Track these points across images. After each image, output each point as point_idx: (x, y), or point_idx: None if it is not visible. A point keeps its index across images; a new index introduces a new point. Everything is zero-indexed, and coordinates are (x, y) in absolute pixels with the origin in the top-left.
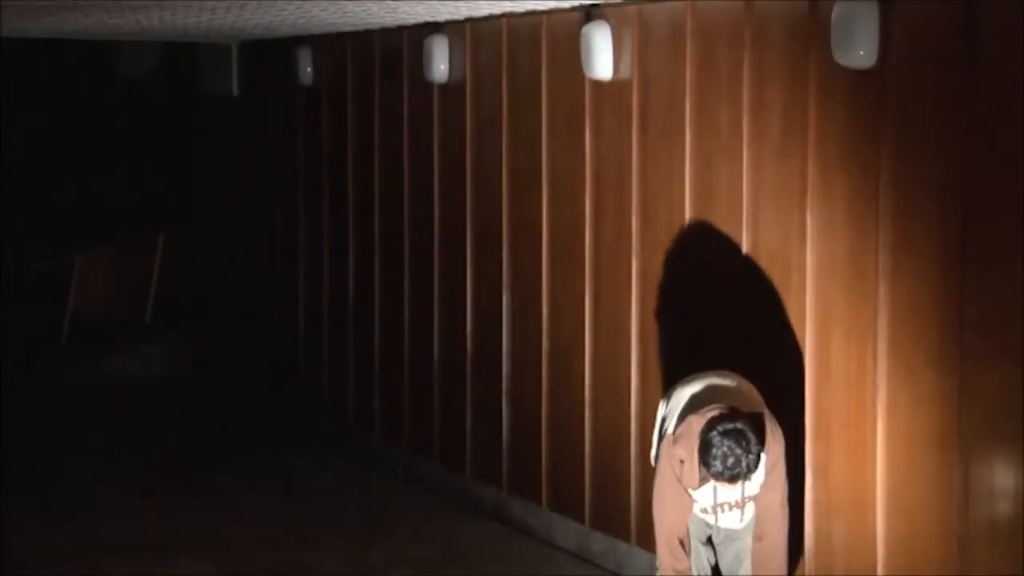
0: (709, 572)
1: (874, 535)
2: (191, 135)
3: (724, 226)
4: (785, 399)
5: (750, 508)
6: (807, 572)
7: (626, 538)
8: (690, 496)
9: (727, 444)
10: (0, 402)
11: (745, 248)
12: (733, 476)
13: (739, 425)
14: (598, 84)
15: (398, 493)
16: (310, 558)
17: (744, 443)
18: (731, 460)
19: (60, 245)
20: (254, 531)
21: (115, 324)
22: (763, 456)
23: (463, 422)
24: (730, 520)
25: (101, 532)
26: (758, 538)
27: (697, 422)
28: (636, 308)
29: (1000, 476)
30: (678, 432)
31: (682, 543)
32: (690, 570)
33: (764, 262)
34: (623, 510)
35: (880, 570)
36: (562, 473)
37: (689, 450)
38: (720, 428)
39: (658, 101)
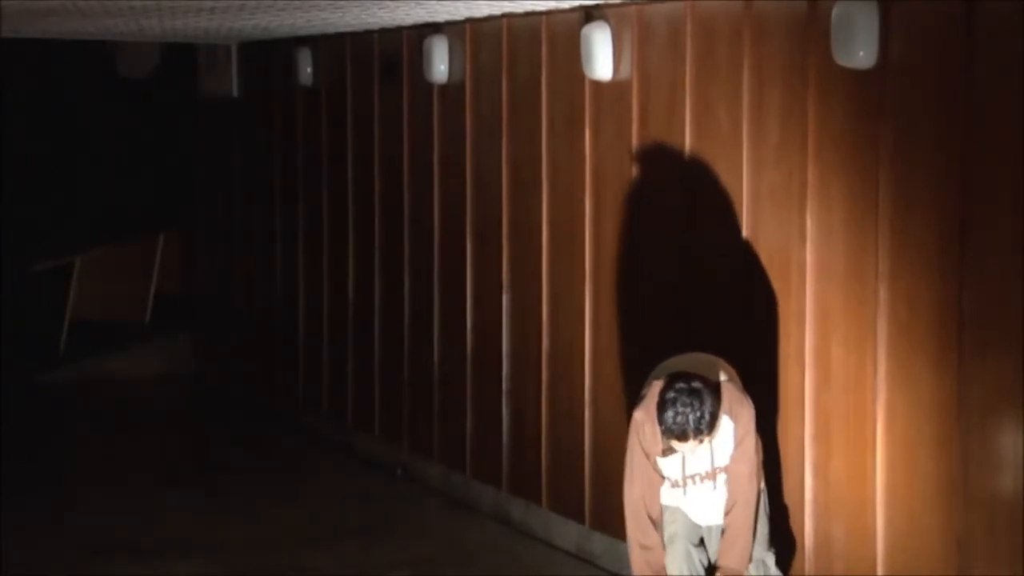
0: (703, 574)
1: (874, 535)
2: (191, 135)
3: (723, 226)
4: (785, 399)
5: (722, 480)
6: (807, 571)
7: (626, 538)
8: (659, 472)
9: (680, 401)
10: (0, 402)
11: (744, 248)
12: (683, 432)
13: (695, 384)
14: (598, 84)
15: (398, 493)
16: (310, 558)
17: (697, 401)
18: (680, 417)
19: (60, 245)
20: (254, 531)
21: (115, 324)
22: (729, 423)
23: (463, 422)
24: (702, 495)
25: (101, 533)
26: (727, 511)
27: (658, 385)
28: (636, 307)
29: (999, 476)
30: (641, 395)
31: (654, 522)
32: (661, 547)
33: (763, 262)
34: (623, 510)
35: (880, 570)
36: (562, 473)
37: (651, 413)
38: (676, 386)
39: (658, 101)
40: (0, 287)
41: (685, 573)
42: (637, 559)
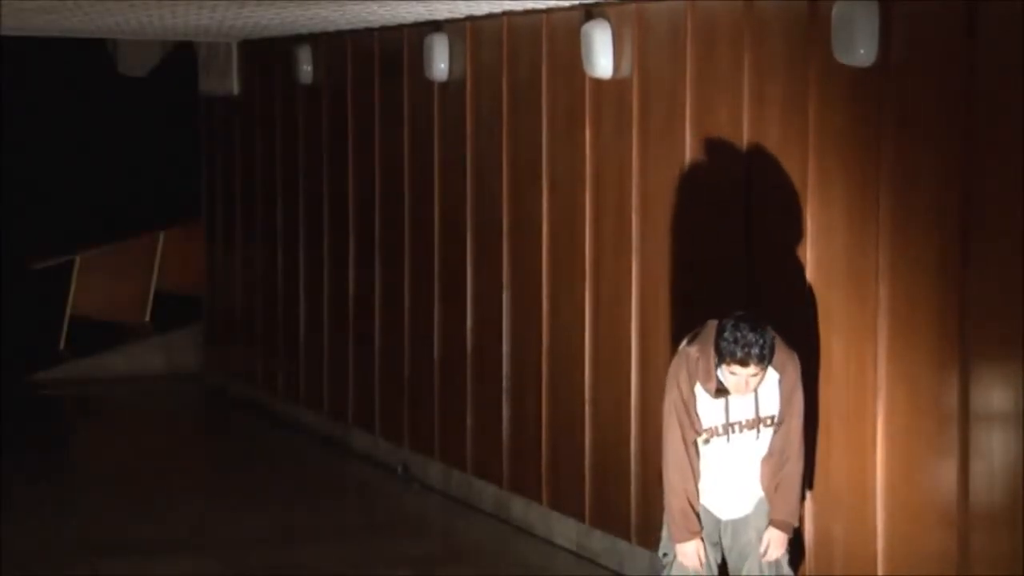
0: (716, 572)
1: (874, 532)
2: (191, 134)
3: (723, 224)
4: None
5: (765, 433)
6: (808, 568)
7: (626, 536)
8: (698, 422)
9: (742, 327)
10: None
11: (745, 247)
12: (747, 355)
13: (755, 314)
14: (598, 82)
15: (398, 492)
16: (310, 556)
17: (760, 327)
18: (743, 340)
19: (60, 243)
20: (254, 530)
21: (115, 323)
22: (774, 374)
23: (463, 421)
24: (744, 445)
25: (101, 531)
26: (779, 467)
27: (712, 324)
28: (636, 306)
29: (999, 473)
30: (696, 332)
31: (693, 470)
32: (697, 495)
33: (764, 261)
34: (623, 508)
35: (880, 566)
36: (562, 471)
37: (705, 346)
38: (737, 314)
39: (658, 100)
40: (0, 286)
41: (701, 573)
42: (677, 505)
